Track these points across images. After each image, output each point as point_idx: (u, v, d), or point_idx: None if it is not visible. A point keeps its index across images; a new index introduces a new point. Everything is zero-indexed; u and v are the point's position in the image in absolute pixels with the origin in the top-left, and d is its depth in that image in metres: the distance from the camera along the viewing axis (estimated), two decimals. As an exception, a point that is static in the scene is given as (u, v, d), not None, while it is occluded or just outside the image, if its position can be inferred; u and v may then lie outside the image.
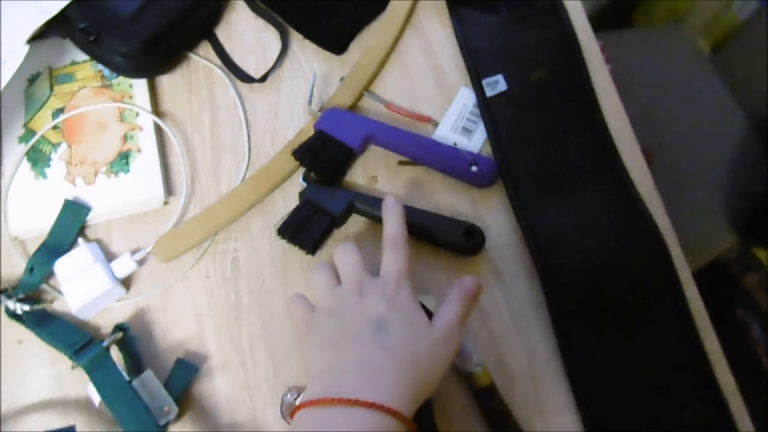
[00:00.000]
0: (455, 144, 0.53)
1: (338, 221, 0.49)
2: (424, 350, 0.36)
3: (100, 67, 0.55)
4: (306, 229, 0.49)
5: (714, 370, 0.46)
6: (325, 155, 0.51)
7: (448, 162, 0.51)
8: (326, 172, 0.51)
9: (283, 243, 0.50)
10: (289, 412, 0.40)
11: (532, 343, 0.48)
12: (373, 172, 0.53)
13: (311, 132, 0.52)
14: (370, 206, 0.49)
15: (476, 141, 0.53)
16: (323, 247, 0.50)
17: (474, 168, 0.51)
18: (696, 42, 1.08)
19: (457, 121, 0.54)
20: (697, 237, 0.95)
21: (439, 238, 0.49)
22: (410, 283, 0.40)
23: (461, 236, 0.48)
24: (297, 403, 0.35)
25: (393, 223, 0.43)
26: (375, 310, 0.37)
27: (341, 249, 0.43)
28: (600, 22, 1.29)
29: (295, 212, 0.50)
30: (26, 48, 0.50)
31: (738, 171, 0.96)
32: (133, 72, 0.54)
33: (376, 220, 0.48)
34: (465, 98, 0.55)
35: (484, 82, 0.55)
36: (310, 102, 0.54)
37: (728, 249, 0.98)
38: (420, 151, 0.52)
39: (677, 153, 0.98)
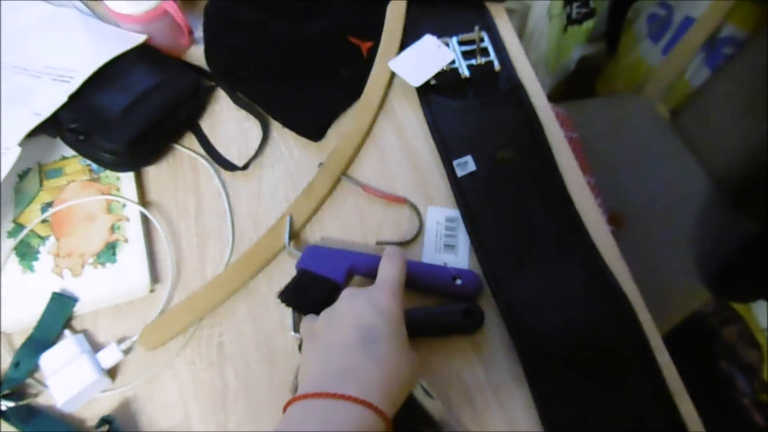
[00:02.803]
0: (446, 264, 0.54)
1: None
2: (407, 366, 0.39)
3: (89, 161, 0.58)
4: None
5: (691, 434, 0.48)
6: (311, 293, 0.50)
7: (432, 280, 0.52)
8: (314, 309, 0.48)
9: (268, 326, 0.52)
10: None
11: (514, 414, 0.49)
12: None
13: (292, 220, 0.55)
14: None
15: (462, 253, 0.55)
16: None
17: (458, 282, 0.52)
18: (655, 108, 1.15)
19: (436, 241, 0.56)
20: (673, 295, 0.98)
21: (442, 326, 0.51)
22: (402, 296, 0.43)
23: (461, 318, 0.50)
24: None
25: (393, 253, 0.47)
26: (365, 319, 0.40)
27: None
28: (565, 93, 1.37)
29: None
30: (19, 149, 0.52)
31: (704, 230, 1.00)
32: (120, 167, 0.56)
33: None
34: (435, 216, 0.57)
35: (455, 163, 0.58)
36: (288, 243, 0.54)
37: (704, 304, 1.01)
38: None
39: (647, 214, 1.03)
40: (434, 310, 0.51)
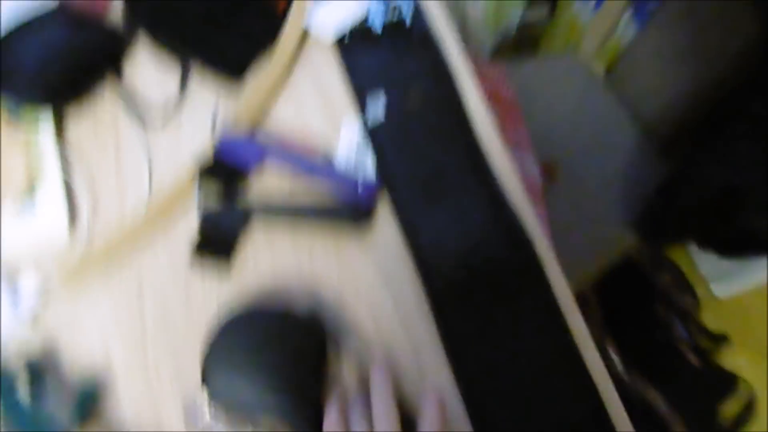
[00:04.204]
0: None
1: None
2: None
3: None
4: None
5: (580, 348, 0.52)
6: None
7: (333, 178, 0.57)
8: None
9: (185, 269, 0.54)
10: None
11: (419, 340, 0.53)
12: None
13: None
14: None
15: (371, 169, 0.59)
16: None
17: (359, 187, 0.56)
18: (591, 66, 1.19)
19: (347, 156, 0.59)
20: (601, 240, 1.03)
21: (332, 210, 0.56)
22: None
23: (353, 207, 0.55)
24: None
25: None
26: None
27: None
28: (510, 55, 1.39)
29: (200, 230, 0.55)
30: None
31: (632, 178, 1.06)
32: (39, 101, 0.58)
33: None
34: (349, 134, 0.60)
35: (367, 108, 0.61)
36: (213, 127, 0.59)
37: (632, 248, 1.06)
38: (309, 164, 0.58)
39: (578, 166, 1.07)
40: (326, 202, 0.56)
